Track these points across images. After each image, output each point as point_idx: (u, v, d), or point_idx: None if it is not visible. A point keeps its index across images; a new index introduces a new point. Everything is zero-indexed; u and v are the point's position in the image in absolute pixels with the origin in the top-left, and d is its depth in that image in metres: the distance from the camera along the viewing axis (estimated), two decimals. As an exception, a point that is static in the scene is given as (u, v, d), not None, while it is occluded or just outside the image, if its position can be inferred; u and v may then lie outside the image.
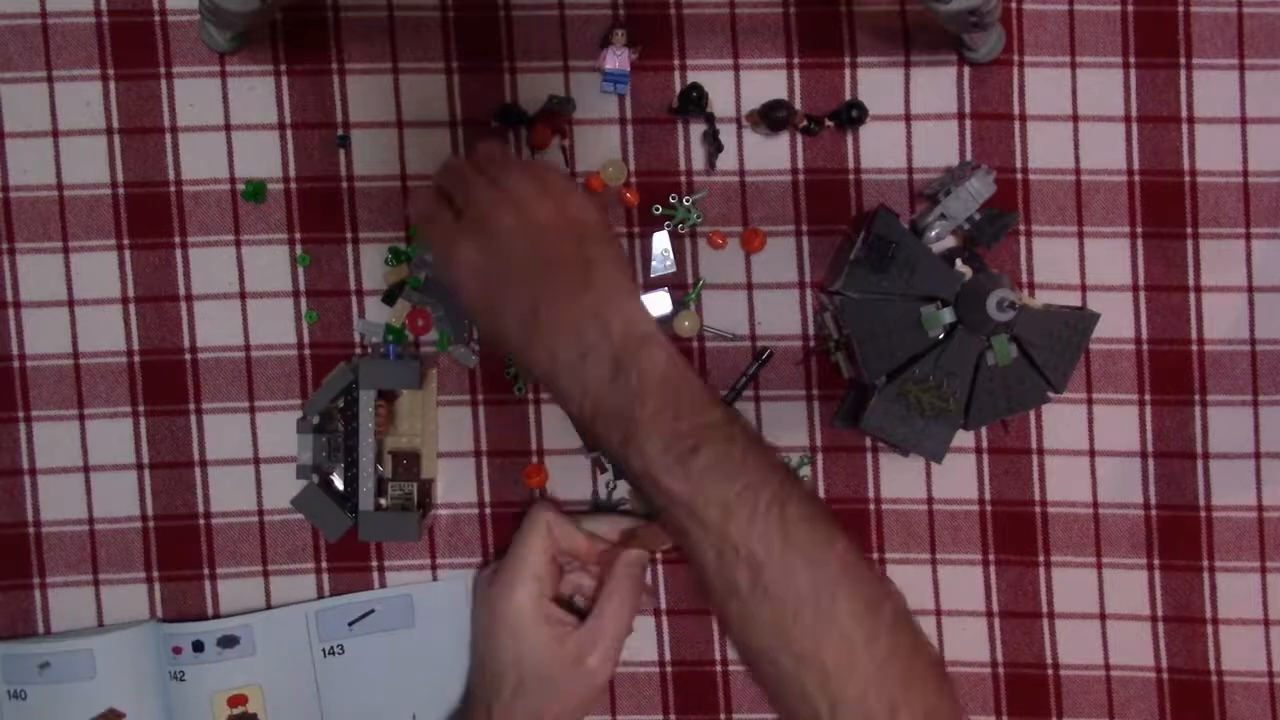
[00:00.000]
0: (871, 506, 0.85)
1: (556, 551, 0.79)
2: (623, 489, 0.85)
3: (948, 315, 0.77)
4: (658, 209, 0.83)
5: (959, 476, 0.85)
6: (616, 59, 0.82)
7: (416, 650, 0.84)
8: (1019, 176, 0.84)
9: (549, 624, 0.76)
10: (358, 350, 0.84)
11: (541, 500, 0.83)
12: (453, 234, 0.64)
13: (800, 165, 0.84)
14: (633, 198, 0.83)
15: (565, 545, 0.79)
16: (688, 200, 0.83)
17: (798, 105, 0.83)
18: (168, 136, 0.83)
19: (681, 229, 0.84)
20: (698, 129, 0.84)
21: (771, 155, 0.84)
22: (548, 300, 0.63)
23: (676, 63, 0.83)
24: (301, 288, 0.84)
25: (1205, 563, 0.84)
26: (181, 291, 0.84)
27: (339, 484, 0.83)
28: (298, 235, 0.84)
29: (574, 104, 0.83)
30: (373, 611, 0.83)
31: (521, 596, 0.76)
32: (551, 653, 0.75)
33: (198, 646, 0.82)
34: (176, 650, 0.82)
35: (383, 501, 0.82)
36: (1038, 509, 0.85)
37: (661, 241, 0.84)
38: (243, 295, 0.84)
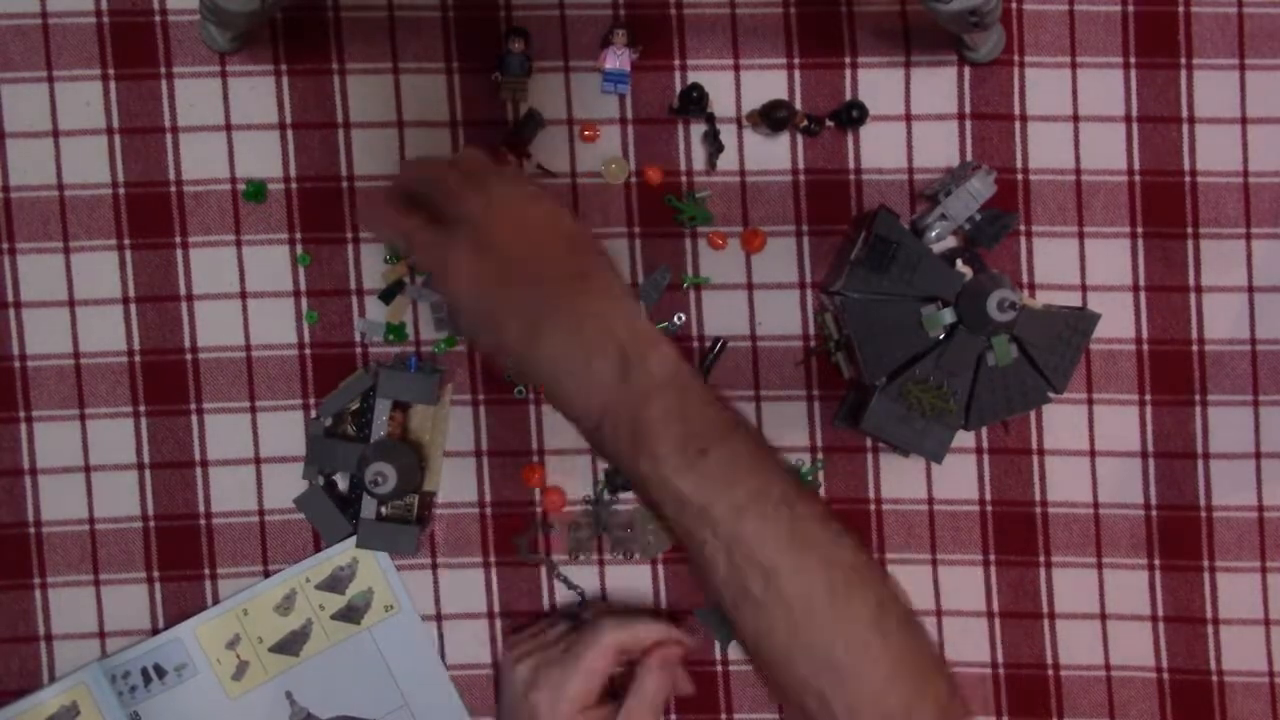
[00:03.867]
0: (872, 506, 0.85)
1: (612, 668, 0.78)
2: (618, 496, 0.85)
3: (948, 315, 0.77)
4: (671, 199, 0.83)
5: (959, 477, 0.85)
6: (617, 59, 0.82)
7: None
8: (1019, 177, 0.84)
9: None
10: (358, 348, 0.84)
11: (618, 621, 0.79)
12: (445, 245, 0.63)
13: (800, 165, 0.84)
14: (655, 175, 0.83)
15: (629, 647, 0.78)
16: (699, 194, 0.83)
17: (798, 105, 0.83)
18: (168, 136, 0.83)
19: (692, 223, 0.84)
20: (698, 129, 0.84)
21: (772, 155, 0.84)
22: (549, 305, 0.62)
23: (677, 63, 0.83)
24: (302, 287, 0.84)
25: (1205, 563, 0.84)
26: (182, 291, 0.84)
27: (343, 486, 0.83)
28: (298, 235, 0.84)
29: (541, 119, 0.83)
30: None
31: (566, 713, 0.76)
32: None
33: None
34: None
35: (384, 510, 0.82)
36: (1038, 509, 0.85)
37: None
38: (243, 295, 0.84)
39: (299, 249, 0.84)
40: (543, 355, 0.62)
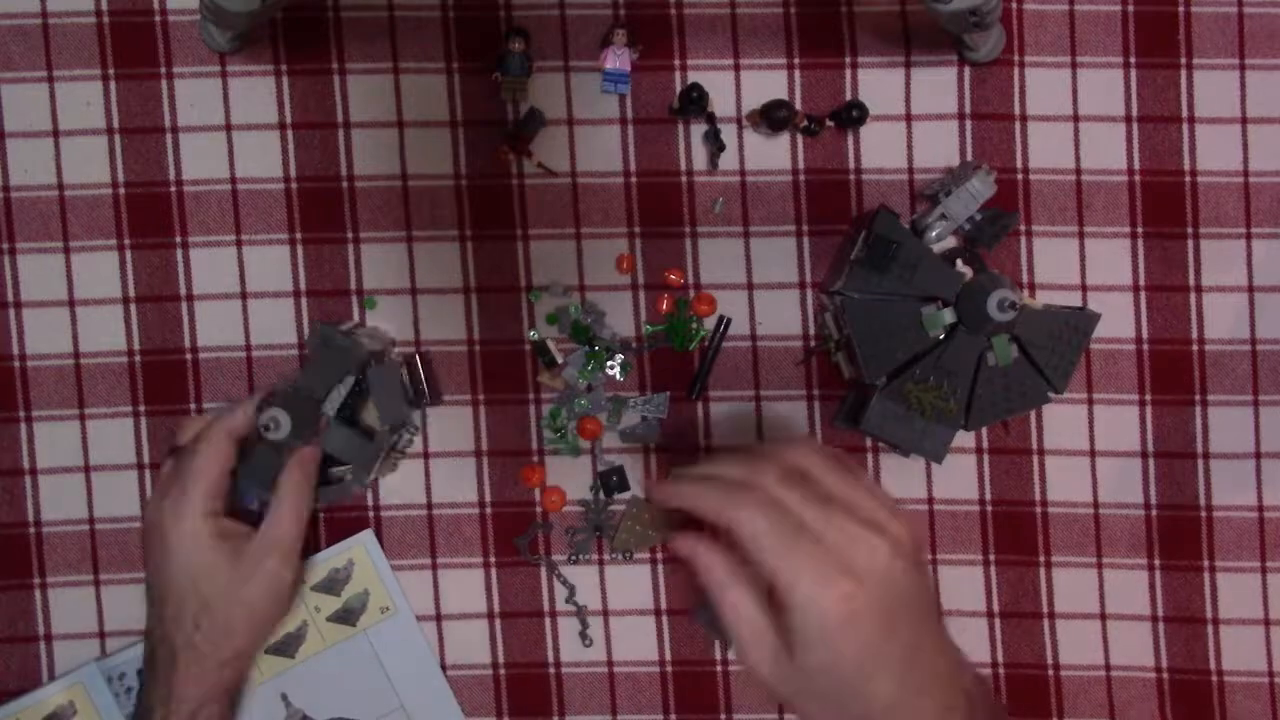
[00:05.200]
0: (872, 506, 0.85)
1: (230, 459, 0.76)
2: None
3: (948, 315, 0.77)
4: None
5: (959, 477, 0.85)
6: (617, 59, 0.82)
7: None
8: (1019, 177, 0.84)
9: (223, 539, 0.74)
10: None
11: (219, 411, 0.79)
12: (828, 573, 0.59)
13: (801, 165, 0.84)
14: (708, 308, 0.84)
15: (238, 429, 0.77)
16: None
17: (798, 105, 0.83)
18: (168, 136, 0.84)
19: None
20: (698, 129, 0.84)
21: (772, 155, 0.84)
22: (926, 643, 0.61)
23: (677, 63, 0.83)
24: (302, 287, 0.84)
25: (1205, 563, 0.84)
26: (182, 291, 0.84)
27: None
28: (298, 235, 0.84)
29: (542, 117, 0.83)
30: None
31: (193, 518, 0.73)
32: (230, 568, 0.73)
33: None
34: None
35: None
36: (1038, 509, 0.85)
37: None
38: (243, 295, 0.84)
39: (300, 248, 0.84)
40: (921, 698, 0.60)
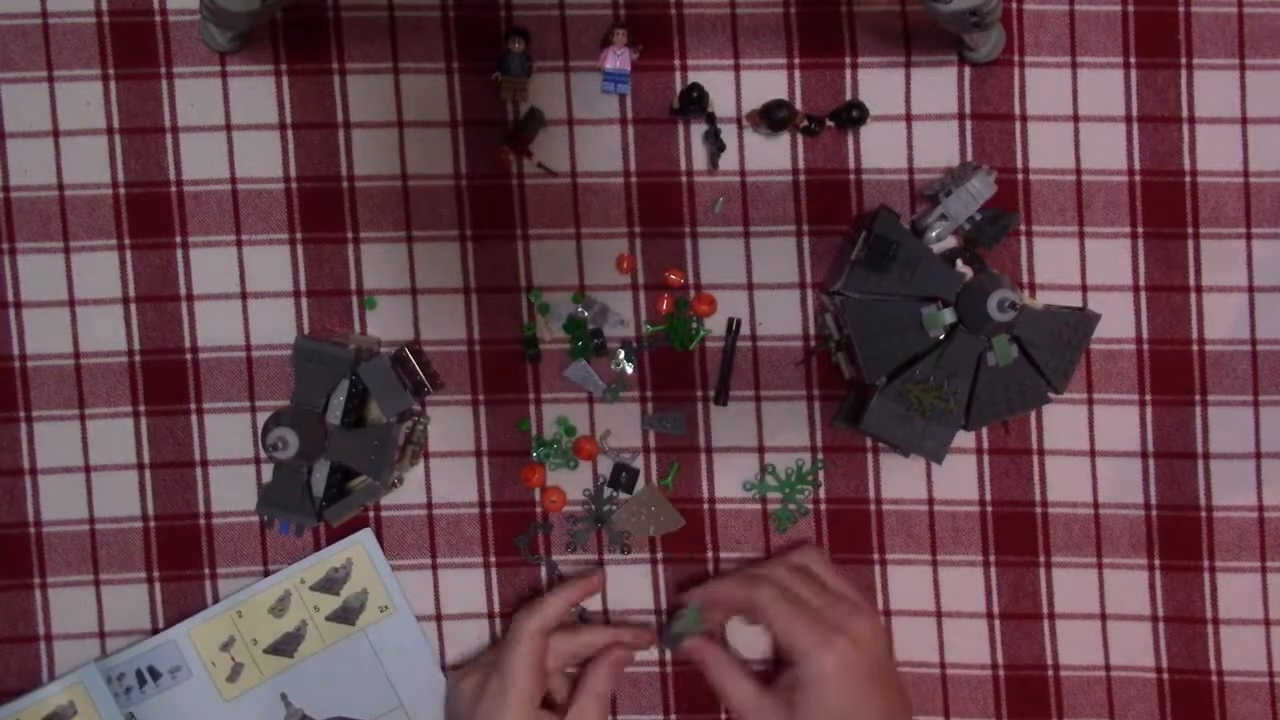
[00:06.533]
0: (872, 507, 0.85)
1: (544, 660, 0.80)
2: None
3: (948, 316, 0.77)
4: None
5: (959, 477, 0.85)
6: (617, 59, 0.82)
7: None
8: (1020, 177, 0.84)
9: None
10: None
11: (525, 610, 0.81)
12: (828, 635, 0.74)
13: (801, 165, 0.84)
14: (708, 308, 0.84)
15: (557, 652, 0.81)
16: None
17: (798, 105, 0.83)
18: (168, 136, 0.84)
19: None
20: (698, 129, 0.84)
21: (772, 155, 0.84)
22: (901, 715, 0.77)
23: (677, 63, 0.83)
24: (302, 287, 0.84)
25: (1205, 563, 0.84)
26: (182, 291, 0.84)
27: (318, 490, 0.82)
28: (298, 235, 0.84)
29: (542, 117, 0.83)
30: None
31: (510, 712, 0.78)
32: None
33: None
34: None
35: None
36: (1038, 509, 0.85)
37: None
38: (243, 295, 0.84)
39: (300, 248, 0.84)
40: None
